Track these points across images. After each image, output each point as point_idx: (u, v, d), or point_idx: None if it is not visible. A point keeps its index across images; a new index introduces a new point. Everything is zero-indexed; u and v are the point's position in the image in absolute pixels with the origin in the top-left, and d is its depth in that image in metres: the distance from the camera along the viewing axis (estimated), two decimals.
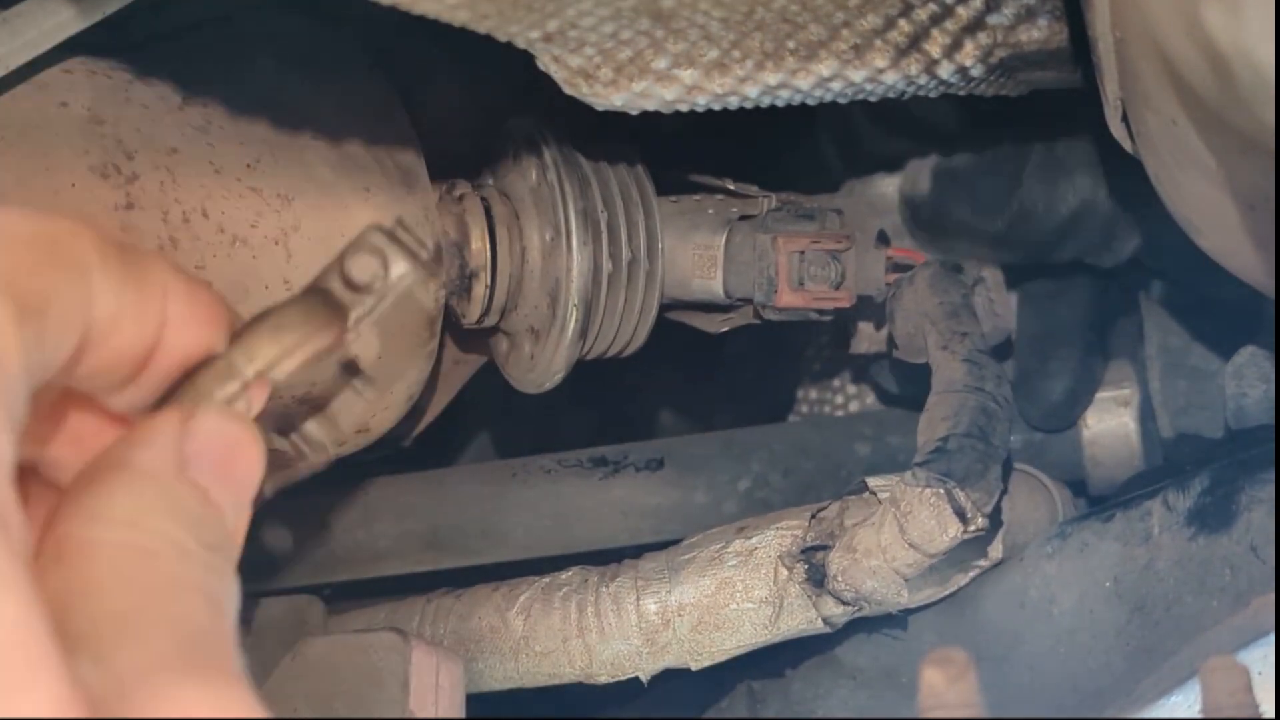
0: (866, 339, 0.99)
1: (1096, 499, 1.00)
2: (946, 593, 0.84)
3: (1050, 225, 0.93)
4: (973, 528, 0.76)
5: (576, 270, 0.83)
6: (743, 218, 0.89)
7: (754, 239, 0.87)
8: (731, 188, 0.90)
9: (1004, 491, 0.80)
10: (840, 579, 0.79)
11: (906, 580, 0.78)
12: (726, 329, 0.92)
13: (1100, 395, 1.00)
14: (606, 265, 0.84)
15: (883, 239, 0.91)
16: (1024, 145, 0.92)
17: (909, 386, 1.00)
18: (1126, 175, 0.91)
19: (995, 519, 0.81)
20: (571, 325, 0.83)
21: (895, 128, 0.96)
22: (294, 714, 0.74)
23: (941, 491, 0.76)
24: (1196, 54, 0.56)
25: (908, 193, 0.95)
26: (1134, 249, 0.94)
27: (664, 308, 0.90)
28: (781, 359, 1.14)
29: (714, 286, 0.88)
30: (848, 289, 0.87)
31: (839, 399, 1.11)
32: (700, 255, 0.88)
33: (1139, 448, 0.99)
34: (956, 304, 0.86)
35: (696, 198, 0.90)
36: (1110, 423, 1.00)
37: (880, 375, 1.03)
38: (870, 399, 1.10)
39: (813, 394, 1.12)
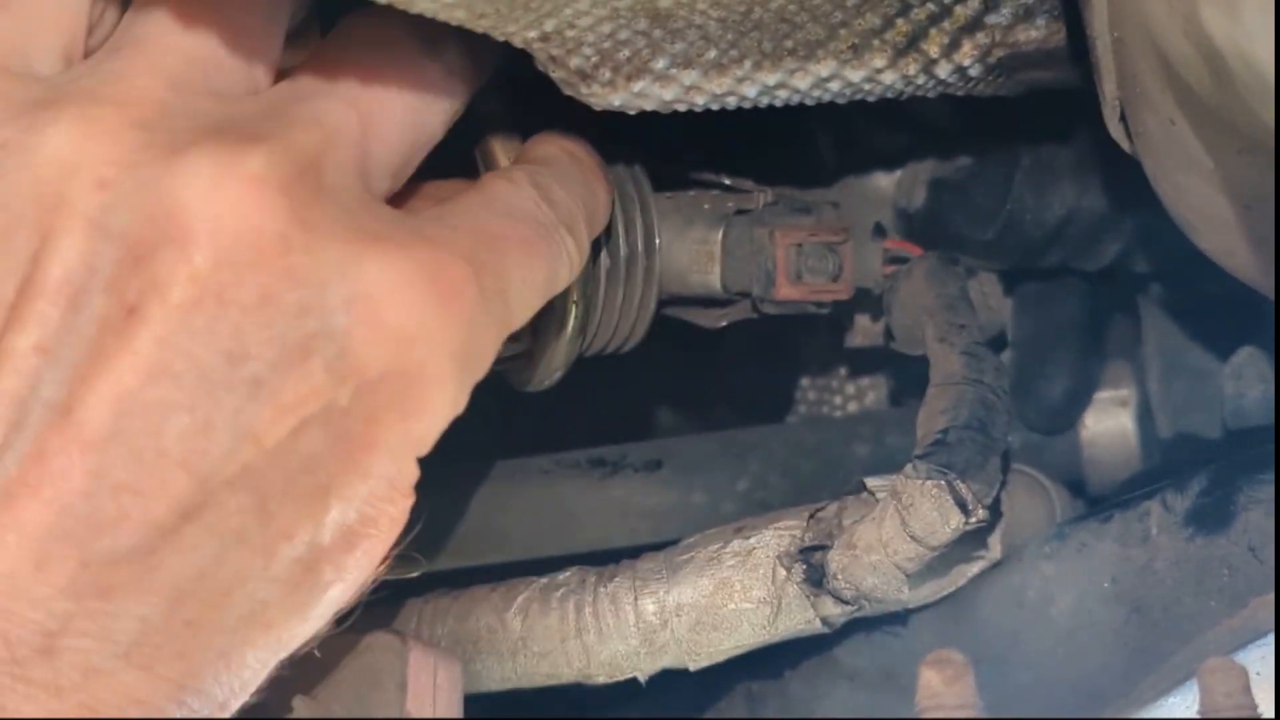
0: (862, 332, 0.99)
1: (1095, 499, 1.01)
2: (945, 593, 0.84)
3: (1038, 233, 0.93)
4: (974, 519, 0.76)
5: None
6: (739, 212, 0.89)
7: (751, 233, 0.87)
8: (727, 183, 0.90)
9: (1003, 483, 0.80)
10: (840, 576, 0.79)
11: (907, 576, 0.78)
12: (725, 323, 0.92)
13: (1098, 396, 1.00)
14: (605, 261, 0.84)
15: (879, 231, 0.91)
16: (1013, 151, 0.93)
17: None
18: (1112, 179, 0.91)
19: (995, 511, 0.81)
20: (570, 322, 0.83)
21: (890, 123, 0.96)
22: (290, 714, 0.74)
23: (943, 483, 0.76)
24: (1194, 53, 0.56)
25: (902, 205, 0.95)
26: (1116, 253, 0.95)
27: (662, 303, 0.90)
28: (780, 359, 1.14)
29: (712, 281, 0.88)
30: (846, 281, 0.87)
31: (838, 399, 1.11)
32: (698, 250, 0.88)
33: (1137, 448, 1.00)
34: (954, 296, 0.86)
35: (692, 193, 0.91)
36: (1108, 423, 1.00)
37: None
38: (869, 399, 1.10)
39: (811, 394, 1.12)
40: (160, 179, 0.60)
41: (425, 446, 0.65)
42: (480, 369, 0.66)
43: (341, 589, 0.64)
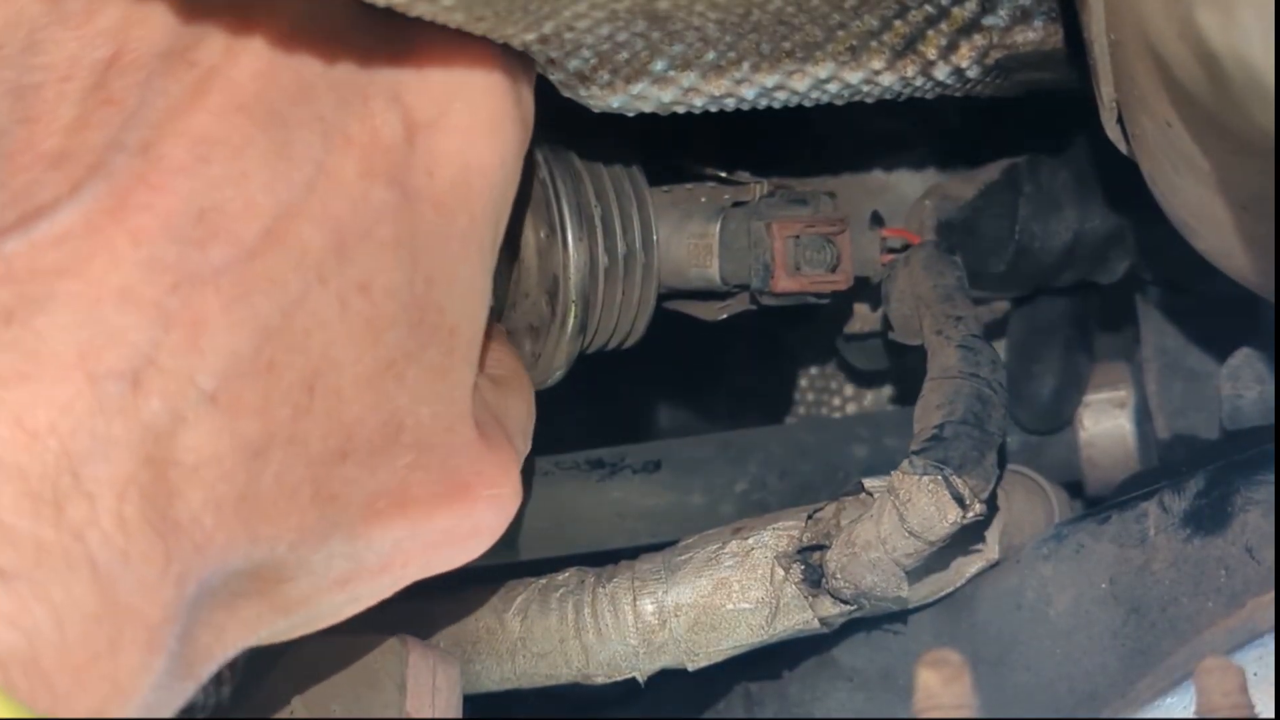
0: (861, 319, 1.00)
1: (1093, 500, 1.01)
2: (944, 593, 0.85)
3: (1049, 259, 0.93)
4: (971, 513, 0.76)
5: (573, 266, 0.83)
6: (736, 204, 0.89)
7: (748, 225, 0.87)
8: (724, 175, 0.90)
9: (1000, 477, 0.80)
10: (839, 575, 0.79)
11: (906, 572, 0.78)
12: (725, 316, 0.92)
13: (1096, 397, 1.00)
14: (603, 259, 0.84)
15: (877, 220, 0.91)
16: (1013, 181, 0.93)
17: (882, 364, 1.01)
18: (1114, 193, 0.91)
19: (992, 505, 0.81)
20: (571, 321, 0.84)
21: (887, 110, 0.96)
22: (290, 714, 0.74)
23: (940, 478, 0.76)
24: (1190, 56, 0.56)
25: None
26: (1128, 266, 0.95)
27: (661, 298, 0.90)
28: (779, 360, 1.14)
29: (710, 274, 0.88)
30: (844, 271, 0.87)
31: (836, 400, 1.12)
32: (696, 244, 0.88)
33: (1135, 449, 1.00)
34: (951, 287, 0.86)
35: (689, 187, 0.91)
36: (1106, 424, 1.00)
37: (850, 354, 1.03)
38: (868, 400, 1.10)
39: (810, 395, 1.12)
40: None
41: (480, 220, 0.69)
42: (516, 129, 0.70)
43: (413, 393, 0.65)
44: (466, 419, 0.68)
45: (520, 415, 0.76)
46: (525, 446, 0.75)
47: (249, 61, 0.63)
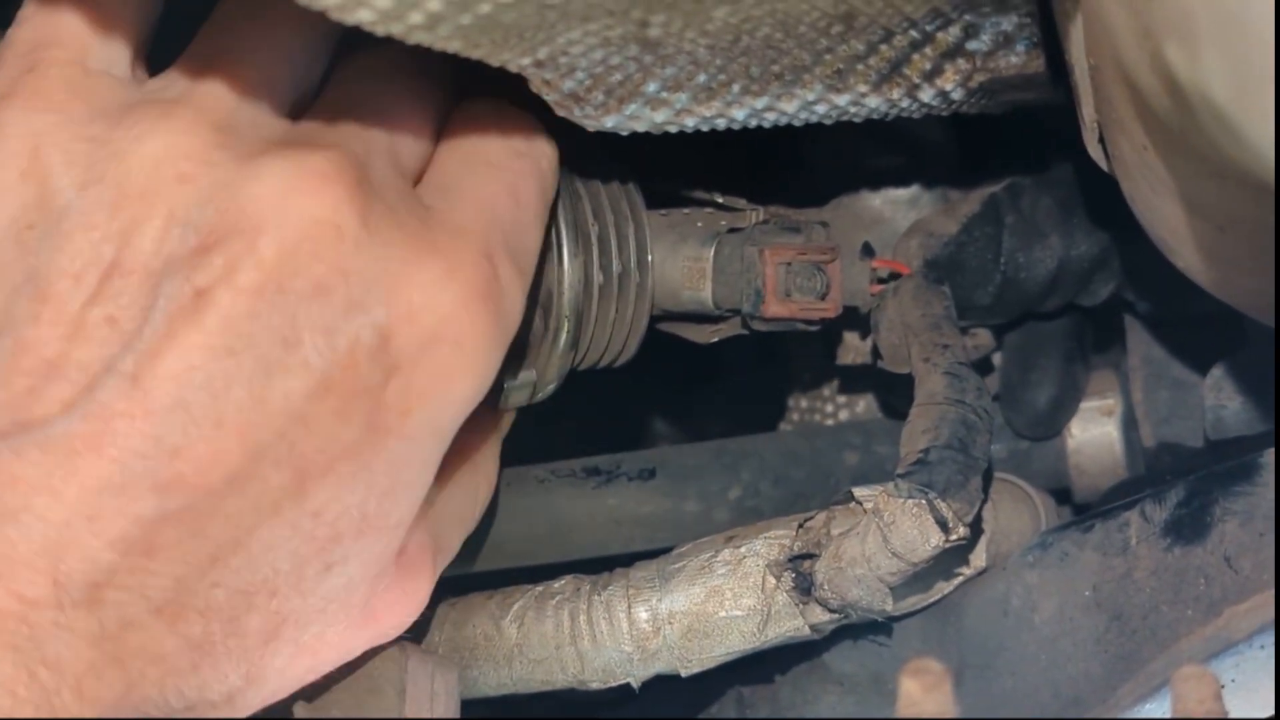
0: (853, 350, 1.00)
1: (1081, 507, 1.01)
2: (930, 601, 0.86)
3: (1034, 289, 0.94)
4: (954, 537, 0.78)
5: (568, 282, 0.84)
6: (731, 230, 0.90)
7: (742, 251, 0.88)
8: (720, 201, 0.91)
9: (984, 501, 0.81)
10: (826, 587, 0.80)
11: (891, 588, 0.80)
12: (716, 339, 0.93)
13: (1084, 405, 1.01)
14: (597, 277, 0.85)
15: (868, 251, 0.92)
16: (995, 212, 0.93)
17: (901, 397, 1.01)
18: (1095, 218, 0.92)
19: (976, 528, 0.82)
20: (563, 337, 0.84)
21: (882, 143, 0.97)
22: (291, 718, 0.75)
23: (923, 502, 0.77)
24: (1160, 87, 0.58)
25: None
26: (1112, 289, 0.96)
27: (654, 319, 0.91)
28: (772, 369, 1.15)
29: (703, 298, 0.89)
30: (833, 300, 0.88)
31: (829, 408, 1.12)
32: (690, 267, 0.89)
33: (1122, 456, 1.00)
34: (939, 316, 0.87)
35: (686, 211, 0.91)
36: (1094, 432, 1.01)
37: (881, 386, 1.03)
38: (860, 408, 1.11)
39: (803, 403, 1.13)
40: (234, 177, 0.67)
41: (447, 435, 0.71)
42: (498, 353, 0.72)
43: (347, 577, 0.70)
44: (390, 567, 0.72)
45: (455, 509, 0.79)
46: (457, 538, 0.79)
47: (248, 279, 0.65)
